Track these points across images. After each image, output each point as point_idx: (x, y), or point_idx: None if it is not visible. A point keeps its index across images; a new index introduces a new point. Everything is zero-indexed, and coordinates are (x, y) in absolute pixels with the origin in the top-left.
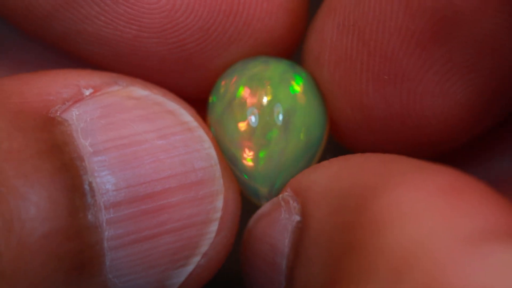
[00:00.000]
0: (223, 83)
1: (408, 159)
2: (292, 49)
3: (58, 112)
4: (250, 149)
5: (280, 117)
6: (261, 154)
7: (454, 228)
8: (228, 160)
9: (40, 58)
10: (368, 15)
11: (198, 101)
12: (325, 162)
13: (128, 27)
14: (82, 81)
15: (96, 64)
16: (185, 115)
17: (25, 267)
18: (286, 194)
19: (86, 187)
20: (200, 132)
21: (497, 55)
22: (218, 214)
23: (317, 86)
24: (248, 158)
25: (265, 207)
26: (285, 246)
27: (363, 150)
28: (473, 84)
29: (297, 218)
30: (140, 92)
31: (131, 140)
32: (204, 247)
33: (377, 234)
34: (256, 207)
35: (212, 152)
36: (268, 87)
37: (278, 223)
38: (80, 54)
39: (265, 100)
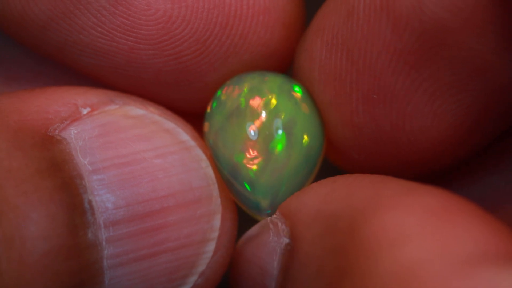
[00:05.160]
0: (223, 94)
1: (397, 180)
2: (287, 63)
3: (57, 131)
4: (252, 161)
5: (282, 127)
6: (264, 165)
7: (443, 252)
8: (228, 173)
9: (35, 70)
10: (356, 34)
11: (194, 115)
12: (313, 185)
13: (125, 38)
14: (80, 99)
15: (92, 75)
16: (182, 134)
17: (26, 285)
18: (275, 216)
19: (86, 205)
20: (197, 151)
21: (484, 75)
22: (216, 234)
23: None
24: (250, 169)
25: (254, 229)
26: (274, 268)
27: (354, 168)
28: (461, 104)
29: (286, 240)
30: (137, 111)
31: (130, 159)
32: (202, 266)
33: (367, 259)
34: (254, 224)
35: (210, 171)
36: (269, 97)
37: (267, 246)
38: (76, 65)
39: (266, 110)
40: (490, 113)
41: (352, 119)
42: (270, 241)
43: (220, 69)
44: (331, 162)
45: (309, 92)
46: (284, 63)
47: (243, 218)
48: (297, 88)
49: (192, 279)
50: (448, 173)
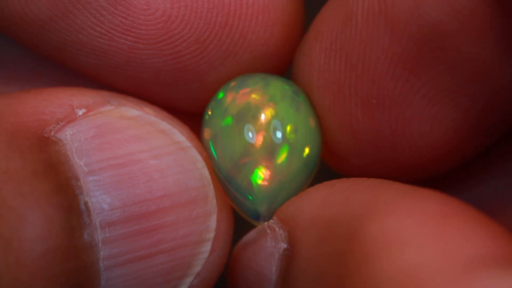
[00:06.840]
0: (222, 99)
1: (395, 184)
2: (287, 63)
3: (52, 132)
4: (251, 167)
5: (283, 135)
6: (263, 172)
7: (444, 256)
8: (225, 178)
9: (34, 70)
10: (354, 39)
11: (192, 115)
12: (310, 189)
13: (124, 38)
14: (75, 100)
15: (91, 75)
16: (178, 134)
17: (24, 287)
18: (272, 221)
19: (82, 206)
20: (193, 152)
21: (483, 79)
22: (211, 234)
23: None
24: (249, 176)
25: (251, 235)
26: (272, 273)
27: (353, 173)
28: (460, 107)
29: (283, 245)
30: (133, 112)
31: (125, 160)
32: (197, 267)
33: (366, 264)
34: (250, 226)
35: (205, 172)
36: (271, 103)
37: (264, 251)
38: (76, 65)
39: (267, 117)
40: (489, 116)
41: (351, 124)
42: (267, 246)
43: (220, 69)
44: (330, 167)
45: (308, 97)
46: (284, 63)
47: (239, 219)
48: (300, 94)
49: (188, 280)
50: (447, 177)
